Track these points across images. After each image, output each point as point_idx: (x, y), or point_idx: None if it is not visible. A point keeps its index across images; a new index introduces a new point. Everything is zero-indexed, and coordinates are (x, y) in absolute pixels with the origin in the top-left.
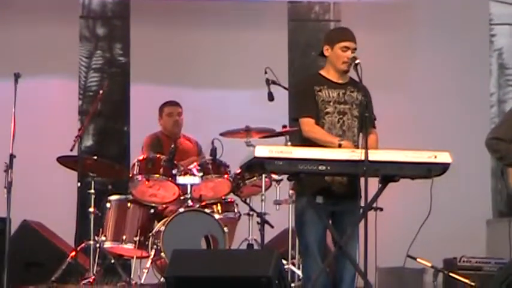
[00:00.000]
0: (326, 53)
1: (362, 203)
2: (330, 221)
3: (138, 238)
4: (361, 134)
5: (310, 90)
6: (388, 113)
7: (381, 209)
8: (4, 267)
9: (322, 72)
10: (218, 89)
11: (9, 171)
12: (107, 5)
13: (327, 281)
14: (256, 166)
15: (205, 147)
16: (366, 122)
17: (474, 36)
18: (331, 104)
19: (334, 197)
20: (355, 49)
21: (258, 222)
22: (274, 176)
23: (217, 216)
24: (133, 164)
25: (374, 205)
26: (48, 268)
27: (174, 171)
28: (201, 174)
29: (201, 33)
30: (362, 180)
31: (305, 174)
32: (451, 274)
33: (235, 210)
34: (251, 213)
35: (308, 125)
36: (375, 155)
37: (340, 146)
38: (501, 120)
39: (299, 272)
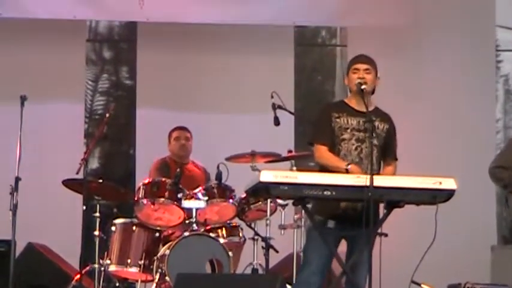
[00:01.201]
0: (346, 83)
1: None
2: (346, 246)
3: (143, 262)
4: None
5: (327, 116)
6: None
7: (386, 235)
8: None
9: (346, 100)
10: (224, 113)
11: (15, 193)
12: (114, 28)
13: None
14: (262, 191)
15: (211, 172)
16: (371, 147)
17: (481, 62)
18: (349, 131)
19: (346, 223)
20: (368, 69)
21: (262, 247)
22: (279, 201)
23: (222, 240)
24: (139, 188)
25: (379, 231)
26: None
27: (179, 195)
28: (206, 198)
29: (208, 57)
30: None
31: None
32: None
33: (240, 234)
34: (256, 237)
35: (320, 151)
36: (380, 181)
37: (347, 170)
38: (504, 148)
39: None
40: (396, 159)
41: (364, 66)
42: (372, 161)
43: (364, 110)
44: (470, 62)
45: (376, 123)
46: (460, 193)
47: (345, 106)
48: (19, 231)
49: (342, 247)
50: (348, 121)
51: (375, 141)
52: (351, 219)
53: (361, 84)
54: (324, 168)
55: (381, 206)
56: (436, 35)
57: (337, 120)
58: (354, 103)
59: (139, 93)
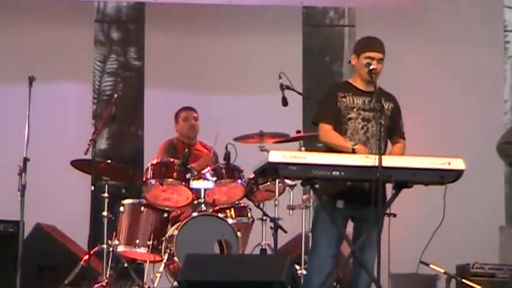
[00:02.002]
0: (353, 62)
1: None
2: (352, 227)
3: (151, 242)
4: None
5: (333, 96)
6: (402, 118)
7: (395, 215)
8: (17, 270)
9: (350, 80)
10: (232, 94)
11: (23, 174)
12: (122, 9)
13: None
14: (270, 171)
15: (219, 152)
16: (381, 128)
17: (489, 43)
18: (355, 110)
19: (355, 203)
20: (381, 59)
21: (271, 227)
22: (288, 181)
23: (230, 221)
24: (147, 168)
25: (388, 211)
26: (61, 272)
27: (187, 176)
28: (215, 178)
29: (216, 38)
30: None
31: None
32: (463, 280)
33: (249, 215)
34: (264, 218)
35: (324, 130)
36: (388, 161)
37: (353, 150)
38: None
39: None
40: (404, 138)
41: (379, 55)
42: (381, 141)
43: (368, 89)
44: (479, 43)
45: (381, 103)
46: (469, 174)
47: (350, 86)
48: (27, 212)
49: (349, 228)
50: (353, 100)
51: (380, 120)
52: (359, 199)
53: (369, 64)
54: (329, 148)
55: (388, 186)
56: (444, 16)
57: (343, 99)
58: (359, 83)
59: (148, 74)
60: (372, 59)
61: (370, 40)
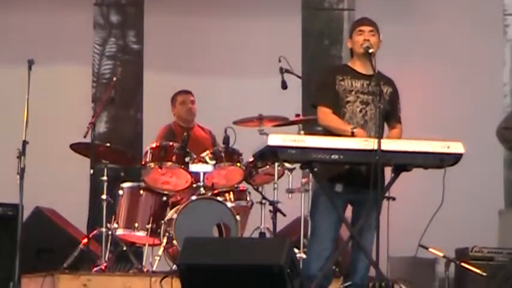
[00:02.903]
0: (349, 46)
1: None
2: (352, 210)
3: (150, 226)
4: (386, 127)
5: (331, 79)
6: (402, 102)
7: (394, 199)
8: (16, 253)
9: (349, 63)
10: (231, 77)
11: (22, 157)
12: None
13: (330, 272)
14: (269, 154)
15: (218, 136)
16: (380, 112)
17: (488, 26)
18: (353, 93)
19: (354, 186)
20: (372, 31)
21: (270, 211)
22: (287, 165)
23: (229, 204)
24: (146, 152)
25: (387, 194)
26: (60, 255)
27: (186, 159)
28: (214, 162)
29: (215, 21)
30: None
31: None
32: (463, 264)
33: (248, 198)
34: (263, 201)
35: (323, 113)
36: (387, 145)
37: (352, 133)
38: None
39: None
40: (400, 123)
41: (369, 28)
42: (380, 125)
43: (367, 73)
44: (478, 26)
45: (380, 86)
46: (468, 157)
47: (349, 69)
48: (26, 195)
49: (347, 212)
50: (352, 84)
51: (379, 104)
52: (358, 182)
53: (368, 47)
54: (328, 131)
55: (386, 169)
56: (445, 0)
57: (342, 83)
58: (357, 66)
59: (147, 58)
60: (362, 31)
61: (360, 18)
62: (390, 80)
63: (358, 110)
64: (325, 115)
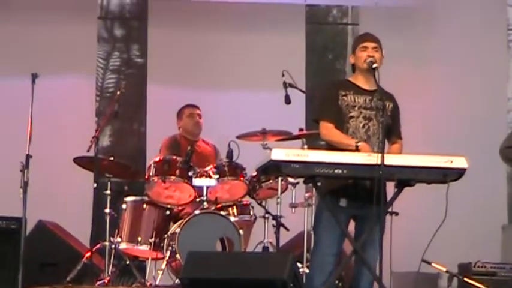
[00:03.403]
0: (352, 61)
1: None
2: (354, 225)
3: (153, 239)
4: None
5: (334, 94)
6: (405, 116)
7: (397, 214)
8: (19, 267)
9: (350, 78)
10: (235, 91)
11: (25, 171)
12: (125, 6)
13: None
14: (273, 169)
15: (222, 150)
16: (383, 127)
17: (492, 41)
18: (356, 108)
19: (358, 201)
20: (376, 47)
21: (273, 225)
22: (290, 179)
23: (232, 218)
24: (150, 166)
25: (390, 209)
26: (63, 269)
27: (190, 173)
28: (217, 176)
29: (219, 35)
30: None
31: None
32: (465, 279)
33: (251, 212)
34: (267, 216)
35: (326, 128)
36: (391, 160)
37: (357, 147)
38: None
39: None
40: (401, 138)
41: (373, 44)
42: (384, 140)
43: (369, 88)
44: (482, 41)
45: (382, 102)
46: (471, 172)
47: (351, 84)
48: (30, 208)
49: (350, 227)
50: (355, 99)
51: (382, 119)
52: (362, 197)
53: (372, 62)
54: (330, 145)
55: (388, 184)
56: (448, 15)
57: (344, 98)
58: (359, 81)
59: (150, 71)
60: (366, 48)
61: (363, 34)
62: (391, 96)
63: (361, 125)
64: (328, 130)
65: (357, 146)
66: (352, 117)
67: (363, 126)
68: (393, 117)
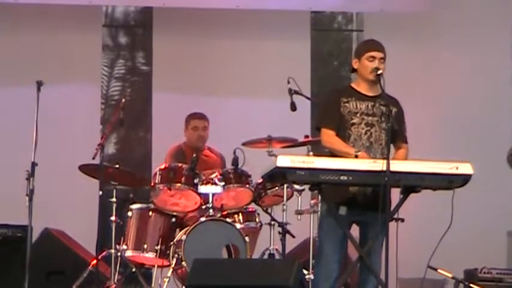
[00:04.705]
0: (355, 66)
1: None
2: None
3: (159, 247)
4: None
5: (336, 101)
6: (410, 121)
7: (402, 220)
8: (25, 275)
9: (352, 84)
10: (240, 98)
11: (31, 179)
12: (130, 14)
13: None
14: (278, 176)
15: (227, 157)
16: (388, 133)
17: (498, 47)
18: (358, 115)
19: (358, 208)
20: (383, 58)
21: (279, 232)
22: (296, 186)
23: (238, 225)
24: (155, 173)
25: (395, 216)
26: (69, 276)
27: (195, 181)
28: (223, 183)
29: (224, 43)
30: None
31: (328, 184)
32: (471, 285)
33: (257, 219)
34: (272, 223)
35: (327, 135)
36: (396, 166)
37: (356, 157)
38: None
39: None
40: (406, 142)
41: (380, 55)
42: (389, 145)
43: (372, 94)
44: (487, 46)
45: (385, 107)
46: (477, 178)
47: (353, 91)
48: (35, 216)
49: (355, 233)
50: (357, 106)
51: (384, 125)
52: (362, 204)
53: (377, 69)
54: (332, 153)
55: (393, 191)
56: (453, 20)
57: (346, 104)
58: (362, 87)
59: (156, 79)
60: (374, 58)
61: (371, 41)
62: (395, 100)
63: (363, 132)
64: (329, 137)
65: (356, 156)
66: (354, 124)
67: (365, 133)
68: (398, 121)
